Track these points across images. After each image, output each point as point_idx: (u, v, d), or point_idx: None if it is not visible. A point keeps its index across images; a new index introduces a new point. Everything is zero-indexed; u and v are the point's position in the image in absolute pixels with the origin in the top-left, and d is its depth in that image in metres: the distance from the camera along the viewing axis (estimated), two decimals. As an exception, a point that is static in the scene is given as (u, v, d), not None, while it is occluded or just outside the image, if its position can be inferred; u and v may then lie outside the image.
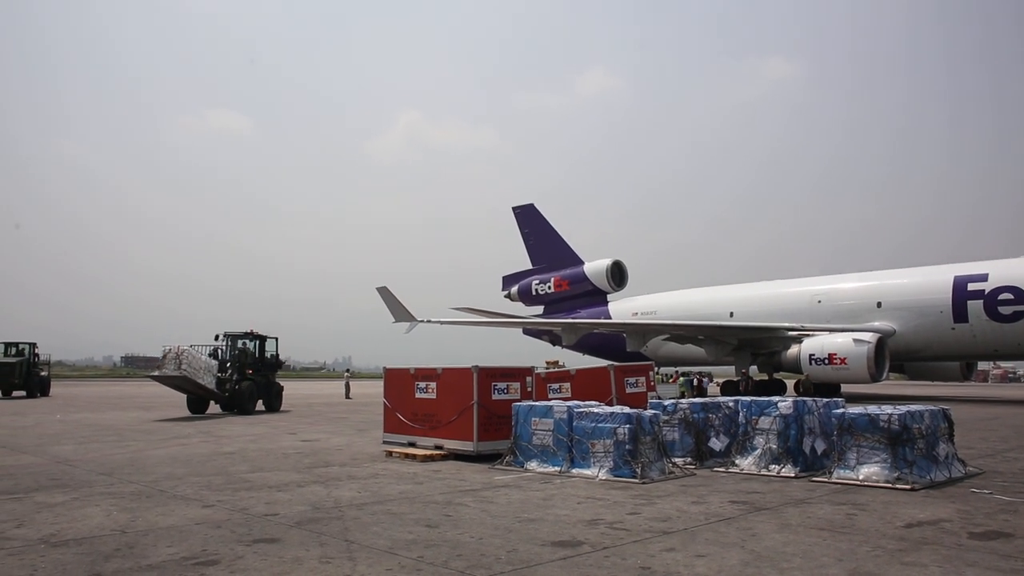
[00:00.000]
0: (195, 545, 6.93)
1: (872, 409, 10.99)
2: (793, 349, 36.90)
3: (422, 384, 15.01)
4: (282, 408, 30.27)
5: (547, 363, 17.32)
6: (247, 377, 28.46)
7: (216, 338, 29.16)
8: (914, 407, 11.19)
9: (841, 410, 11.27)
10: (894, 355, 36.26)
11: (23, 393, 42.16)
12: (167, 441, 17.29)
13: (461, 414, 13.96)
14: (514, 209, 55.65)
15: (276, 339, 31.33)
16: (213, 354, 28.20)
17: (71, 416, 26.02)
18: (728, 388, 39.65)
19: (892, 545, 6.90)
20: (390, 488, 10.43)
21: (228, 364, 28.40)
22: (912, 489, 10.03)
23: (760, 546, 6.88)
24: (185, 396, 27.70)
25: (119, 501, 9.34)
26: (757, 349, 39.51)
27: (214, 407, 28.17)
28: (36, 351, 44.20)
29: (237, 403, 27.45)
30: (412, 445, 14.63)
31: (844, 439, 10.97)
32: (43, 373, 44.65)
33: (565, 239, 53.42)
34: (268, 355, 30.68)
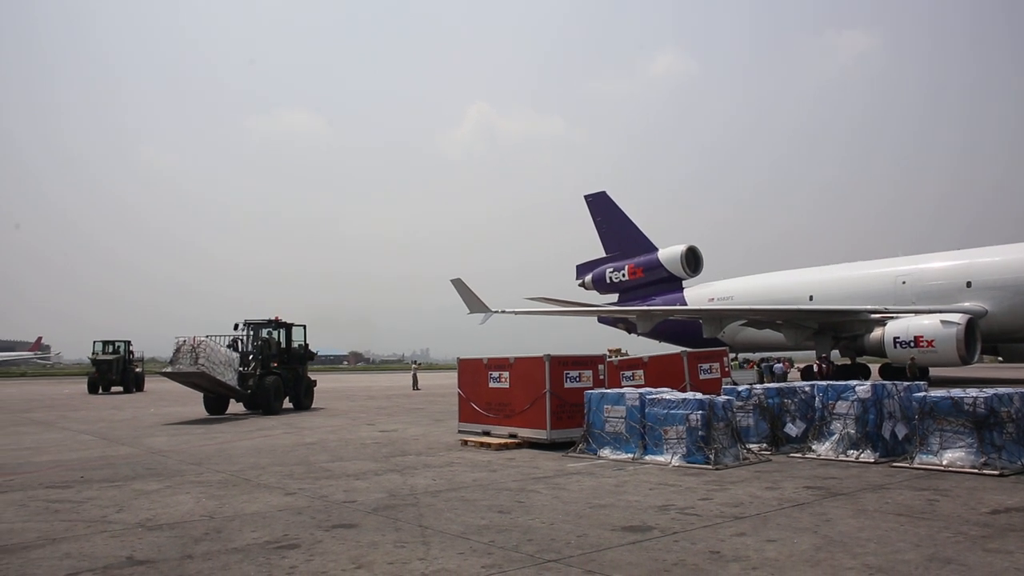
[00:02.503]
0: (277, 530, 7.25)
1: (956, 392, 10.63)
2: (876, 332, 35.69)
3: (495, 374, 15.20)
4: (314, 405, 27.33)
5: (609, 351, 17.29)
6: (272, 371, 25.23)
7: (236, 327, 25.75)
8: (1003, 390, 10.75)
9: (922, 394, 10.92)
10: (987, 337, 34.69)
11: (120, 389, 44.32)
12: (252, 433, 17.97)
13: (534, 403, 14.09)
14: (586, 197, 55.40)
15: (304, 327, 27.85)
16: (232, 345, 24.95)
17: (163, 410, 27.26)
18: (808, 373, 38.72)
19: (975, 531, 6.70)
20: (464, 476, 10.63)
21: (251, 357, 25.13)
22: (1001, 475, 9.68)
23: (834, 531, 6.78)
24: (202, 394, 24.62)
25: (208, 489, 9.81)
26: (838, 333, 38.39)
27: (234, 405, 25.24)
28: (131, 349, 46.49)
29: (262, 400, 24.23)
30: (487, 434, 14.85)
31: (926, 423, 10.65)
32: (137, 369, 46.86)
33: (638, 226, 52.95)
34: (296, 345, 27.27)
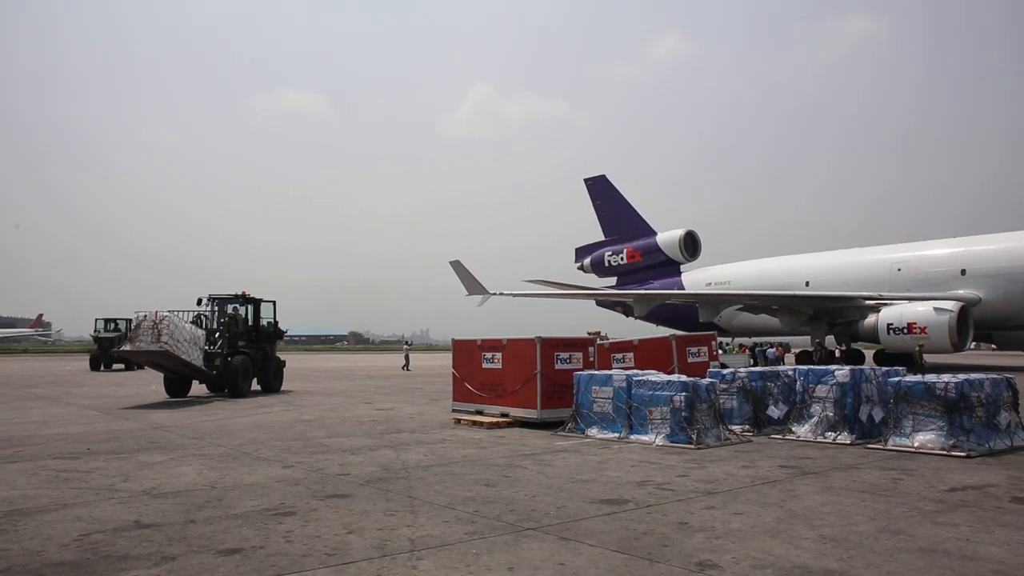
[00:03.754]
0: (275, 499, 7.68)
1: (929, 377, 11.04)
2: (871, 318, 36.09)
3: (488, 355, 15.62)
4: (283, 388, 25.63)
5: (589, 333, 17.67)
6: (239, 350, 23.68)
7: (199, 303, 23.86)
8: (974, 376, 11.17)
9: (898, 378, 11.33)
10: (980, 324, 35.11)
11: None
12: (251, 410, 18.42)
13: (525, 383, 14.52)
14: (586, 181, 55.62)
15: (273, 303, 26.29)
16: (196, 322, 23.04)
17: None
18: (803, 359, 39.16)
19: (929, 507, 7.13)
20: (455, 452, 11.07)
21: (218, 335, 23.56)
22: (968, 456, 10.10)
23: (798, 506, 7.21)
24: (157, 375, 23.33)
25: (209, 461, 10.25)
26: (833, 319, 38.80)
27: (196, 388, 23.61)
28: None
29: (229, 382, 22.61)
30: (479, 413, 15.28)
31: (900, 407, 11.06)
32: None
33: (637, 210, 53.23)
34: (264, 323, 25.69)
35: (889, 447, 10.90)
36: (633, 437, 12.07)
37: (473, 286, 42.44)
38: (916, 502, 7.35)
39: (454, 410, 16.15)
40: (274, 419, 16.07)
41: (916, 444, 10.66)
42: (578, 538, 6.07)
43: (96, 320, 47.74)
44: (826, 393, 12.03)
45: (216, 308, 24.22)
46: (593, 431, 12.72)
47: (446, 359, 17.73)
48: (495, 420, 14.54)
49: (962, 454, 10.17)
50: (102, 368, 44.43)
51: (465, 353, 16.36)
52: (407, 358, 46.44)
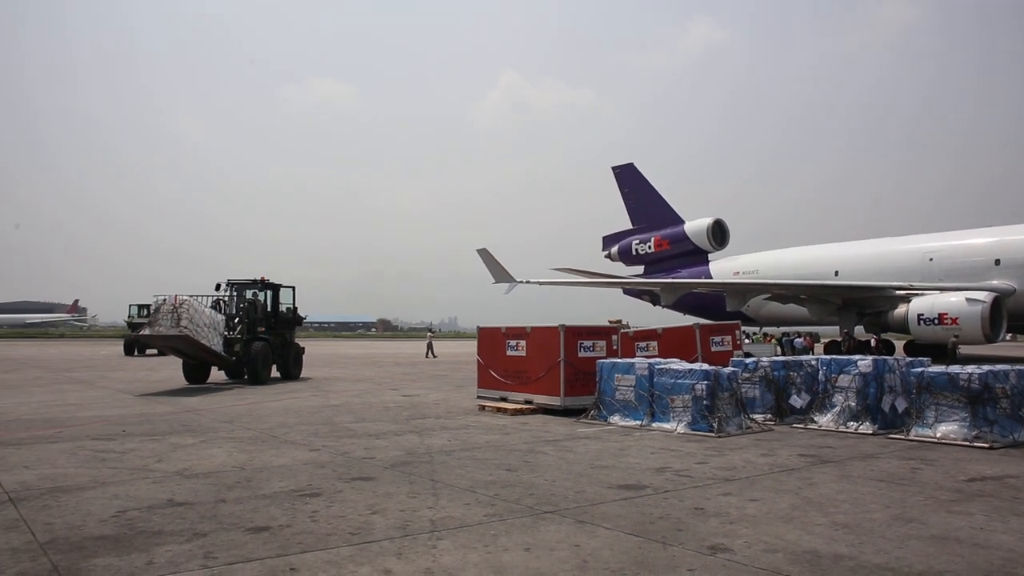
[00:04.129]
0: (302, 480, 7.92)
1: (953, 368, 11.02)
2: (901, 309, 35.66)
3: (513, 342, 15.79)
4: (304, 374, 25.51)
5: (610, 322, 17.72)
6: (259, 336, 23.21)
7: (217, 288, 23.53)
8: (1000, 367, 11.11)
9: (921, 369, 11.32)
10: (1015, 315, 34.53)
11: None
12: (280, 395, 18.78)
13: (549, 370, 14.68)
14: (614, 169, 55.42)
15: (292, 288, 25.79)
16: (215, 308, 22.59)
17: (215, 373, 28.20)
18: (832, 349, 38.87)
19: (946, 496, 7.18)
20: (478, 438, 11.27)
21: (237, 320, 23.08)
22: (991, 448, 10.09)
23: (814, 493, 7.30)
24: (181, 361, 22.54)
25: (239, 444, 10.54)
26: (862, 309, 38.42)
27: (215, 374, 23.28)
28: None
29: (248, 368, 22.29)
30: (504, 400, 15.49)
31: (923, 397, 11.06)
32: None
33: (665, 198, 52.98)
34: (283, 309, 25.26)
35: (911, 437, 10.91)
36: (655, 425, 12.18)
37: (500, 274, 42.58)
38: (933, 491, 7.40)
39: (479, 397, 16.36)
40: (302, 404, 16.39)
41: (938, 435, 10.66)
42: (595, 521, 6.22)
43: (130, 306, 48.71)
44: (849, 383, 12.03)
45: (235, 293, 23.79)
46: (615, 418, 12.85)
47: (473, 347, 17.91)
48: (519, 407, 14.72)
49: (985, 445, 10.15)
50: (136, 353, 45.30)
51: (490, 340, 16.55)
52: (430, 345, 46.72)
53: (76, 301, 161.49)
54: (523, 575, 4.86)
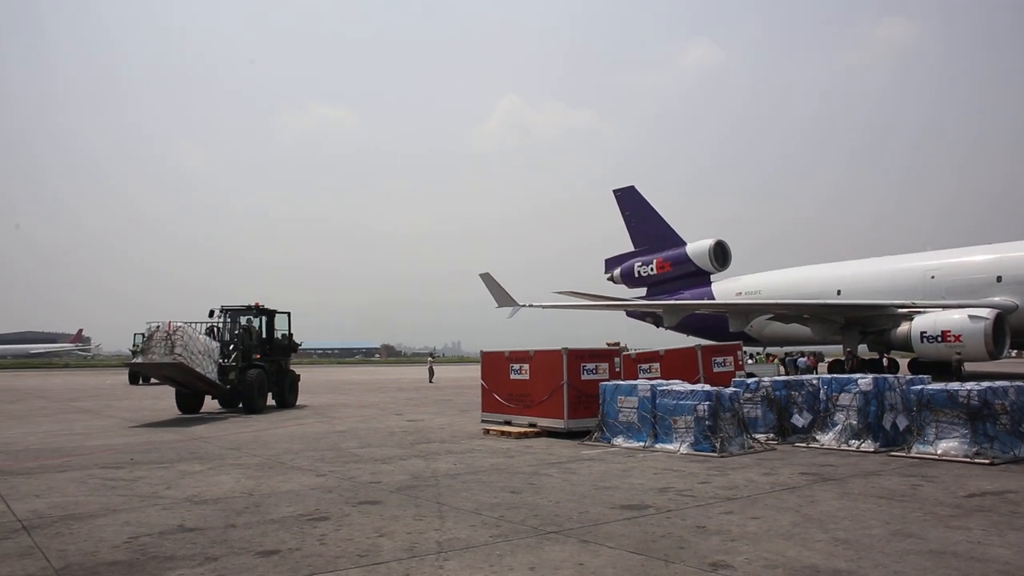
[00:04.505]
0: (310, 505, 8.03)
1: (952, 385, 11.13)
2: (903, 327, 35.75)
3: (516, 366, 15.90)
4: (301, 402, 24.96)
5: (608, 344, 17.83)
6: (254, 363, 22.43)
7: (210, 314, 22.76)
8: (999, 383, 11.22)
9: (920, 386, 11.42)
10: (1018, 332, 34.60)
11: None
12: (285, 421, 18.89)
13: (552, 394, 14.78)
14: (615, 192, 55.78)
15: (288, 314, 25.00)
16: (209, 335, 22.10)
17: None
18: (836, 368, 38.90)
19: (945, 512, 7.28)
20: (483, 461, 11.37)
21: (232, 347, 22.39)
22: (991, 464, 10.17)
23: (815, 511, 7.39)
24: (174, 389, 21.77)
25: (246, 471, 10.65)
26: (865, 327, 38.51)
27: (208, 403, 22.55)
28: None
29: (244, 397, 21.52)
30: (508, 423, 15.57)
31: (923, 415, 11.16)
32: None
33: (667, 220, 53.27)
34: (278, 335, 24.50)
35: (912, 455, 11.00)
36: (658, 446, 12.28)
37: (503, 298, 42.78)
38: (932, 507, 7.50)
39: (483, 420, 16.45)
40: (308, 430, 16.50)
41: (939, 451, 10.75)
42: (598, 541, 6.33)
43: (135, 335, 48.72)
44: (849, 401, 12.14)
45: (228, 320, 23.13)
46: (619, 440, 12.95)
47: (476, 371, 18.01)
48: (523, 430, 14.81)
49: (986, 461, 10.24)
50: (140, 382, 45.40)
51: (493, 364, 16.66)
52: (431, 371, 46.92)
53: (80, 331, 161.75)
54: (528, 593, 4.97)
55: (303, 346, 28.32)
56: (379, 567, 5.63)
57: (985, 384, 10.99)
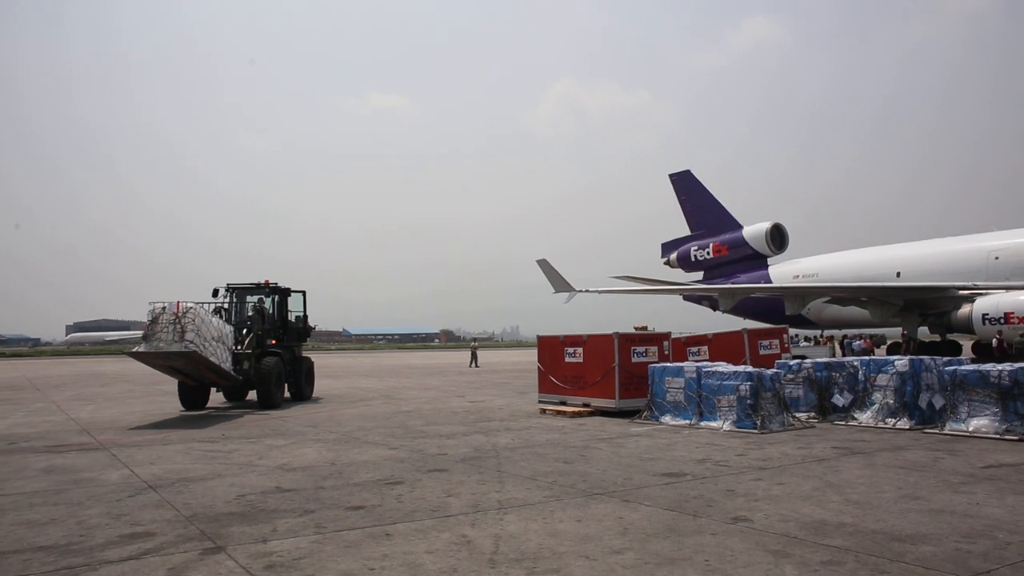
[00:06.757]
0: (385, 472, 9.15)
1: (985, 366, 11.68)
2: (964, 309, 35.41)
3: (570, 349, 16.86)
4: (314, 395, 22.19)
5: (635, 328, 18.35)
6: (270, 350, 19.65)
7: (215, 294, 19.93)
8: (1032, 364, 11.71)
9: (954, 367, 11.99)
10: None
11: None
12: (355, 403, 20.18)
13: (605, 375, 15.70)
14: (671, 176, 55.99)
15: (303, 293, 22.21)
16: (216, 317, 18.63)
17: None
18: (893, 351, 38.77)
19: (957, 480, 8.00)
20: (539, 437, 12.37)
21: (245, 331, 19.60)
22: (1020, 440, 10.74)
23: (837, 478, 8.19)
24: (177, 381, 18.45)
25: (326, 444, 11.86)
26: (925, 310, 38.23)
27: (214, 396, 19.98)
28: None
29: (260, 389, 18.77)
30: (563, 404, 16.54)
31: (957, 394, 11.75)
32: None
33: (723, 204, 53.34)
34: (292, 318, 21.66)
35: (945, 432, 11.61)
36: (703, 423, 13.10)
37: (559, 283, 43.67)
38: (947, 476, 8.22)
39: (540, 401, 17.45)
40: (376, 411, 17.73)
41: (971, 429, 11.35)
42: (638, 500, 7.27)
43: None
44: (887, 381, 12.77)
45: (235, 300, 20.60)
46: (667, 418, 13.81)
47: (534, 355, 18.98)
48: (577, 409, 15.77)
49: (1015, 438, 10.81)
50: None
51: (549, 348, 17.64)
52: (474, 355, 48.16)
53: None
54: (573, 538, 5.94)
55: (367, 333, 28.76)
56: (449, 519, 6.67)
57: (1017, 364, 11.51)
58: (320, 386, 25.96)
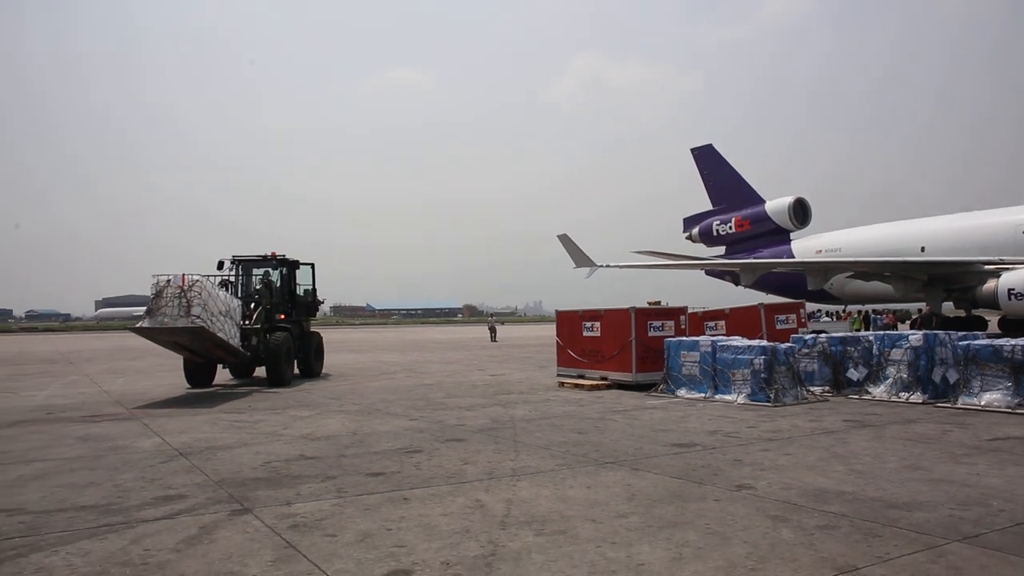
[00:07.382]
0: (405, 442, 9.49)
1: (998, 341, 11.77)
2: (990, 284, 35.00)
3: (588, 324, 17.10)
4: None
5: (649, 303, 18.40)
6: (279, 325, 19.12)
7: (219, 266, 19.24)
8: (1046, 338, 11.79)
9: (967, 342, 12.09)
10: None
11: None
12: (377, 377, 20.61)
13: (622, 349, 15.94)
14: (692, 150, 55.60)
15: (312, 266, 21.36)
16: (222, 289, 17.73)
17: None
18: (915, 327, 38.56)
19: (961, 452, 8.18)
20: (556, 409, 12.66)
21: (253, 305, 18.93)
22: (1031, 414, 10.85)
23: (843, 450, 8.40)
24: (182, 357, 17.95)
25: (348, 415, 12.24)
26: (949, 285, 37.93)
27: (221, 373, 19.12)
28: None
29: (270, 366, 17.83)
30: (581, 377, 16.82)
31: (970, 368, 11.86)
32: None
33: (745, 178, 53.01)
34: (300, 291, 21.01)
35: (958, 406, 11.74)
36: (717, 397, 13.32)
37: (580, 258, 43.73)
38: (952, 448, 8.40)
39: (558, 375, 17.74)
40: (398, 384, 18.13)
41: (983, 403, 11.47)
42: (647, 469, 7.54)
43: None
44: (901, 356, 12.89)
45: (241, 273, 19.95)
46: (682, 392, 14.04)
47: (554, 330, 19.24)
48: (595, 383, 16.04)
49: (1026, 412, 10.92)
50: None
51: (568, 323, 17.90)
52: (493, 330, 48.61)
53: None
54: (583, 503, 6.22)
55: (390, 308, 29.10)
56: (465, 485, 6.97)
57: (1032, 339, 11.59)
58: (343, 360, 26.50)
